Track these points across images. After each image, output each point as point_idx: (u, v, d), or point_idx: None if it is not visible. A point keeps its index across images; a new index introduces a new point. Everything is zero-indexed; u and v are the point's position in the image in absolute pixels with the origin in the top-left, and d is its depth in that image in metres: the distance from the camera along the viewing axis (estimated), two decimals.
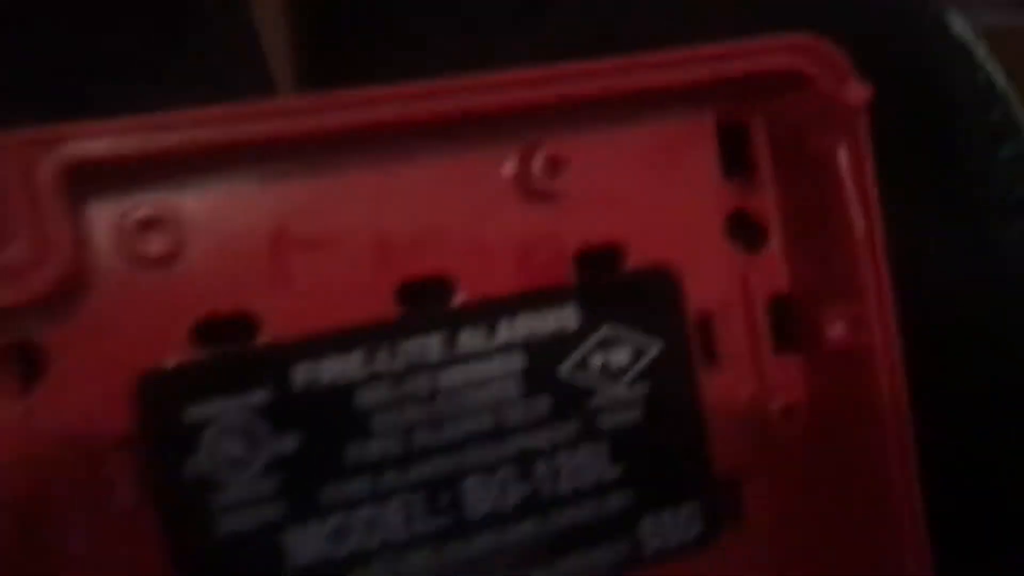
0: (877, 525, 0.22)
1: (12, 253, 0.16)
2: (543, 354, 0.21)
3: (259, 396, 0.19)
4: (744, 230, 0.23)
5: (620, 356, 0.22)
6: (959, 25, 0.27)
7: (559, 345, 0.21)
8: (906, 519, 0.21)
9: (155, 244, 0.18)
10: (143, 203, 0.18)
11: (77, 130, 0.17)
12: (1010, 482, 0.24)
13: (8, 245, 0.16)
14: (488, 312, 0.21)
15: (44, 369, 0.18)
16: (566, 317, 0.21)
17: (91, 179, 0.17)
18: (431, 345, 0.20)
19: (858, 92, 0.21)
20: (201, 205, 0.19)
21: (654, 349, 0.22)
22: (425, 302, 0.21)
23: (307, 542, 0.20)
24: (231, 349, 0.19)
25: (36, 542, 0.18)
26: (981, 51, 0.27)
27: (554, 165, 0.21)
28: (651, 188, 0.22)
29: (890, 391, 0.21)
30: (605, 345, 0.22)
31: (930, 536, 0.21)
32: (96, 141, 0.17)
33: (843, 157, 0.21)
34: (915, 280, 0.22)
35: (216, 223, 0.19)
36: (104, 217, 0.18)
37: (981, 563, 0.23)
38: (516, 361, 0.21)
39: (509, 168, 0.21)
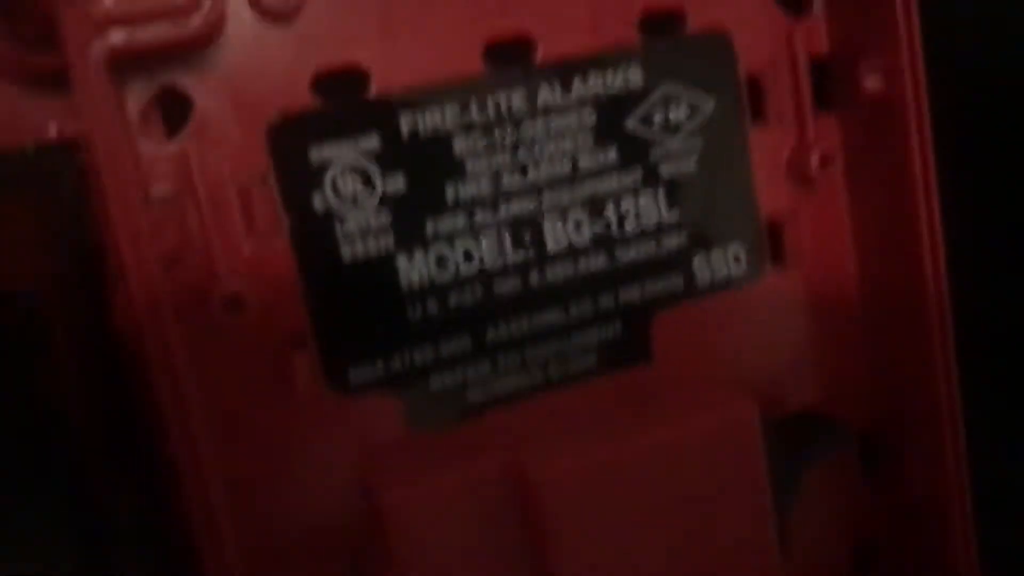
0: (906, 256, 0.25)
1: None
2: (612, 109, 0.24)
3: (371, 141, 0.22)
4: None
5: (679, 112, 0.25)
6: None
7: (626, 101, 0.24)
8: (928, 248, 0.24)
9: (281, 1, 0.21)
10: None
11: None
12: None
13: None
14: (564, 69, 0.23)
15: (189, 115, 0.21)
16: (632, 75, 0.24)
17: None
18: (515, 99, 0.23)
19: None
20: None
21: (709, 106, 0.25)
22: (509, 60, 0.23)
23: (415, 268, 0.23)
24: (347, 99, 0.22)
25: (193, 255, 0.21)
26: None
27: None
28: None
29: (918, 135, 0.24)
30: (666, 101, 0.24)
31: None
32: None
33: None
34: (942, 35, 0.24)
35: None
36: None
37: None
38: (588, 114, 0.24)
39: None
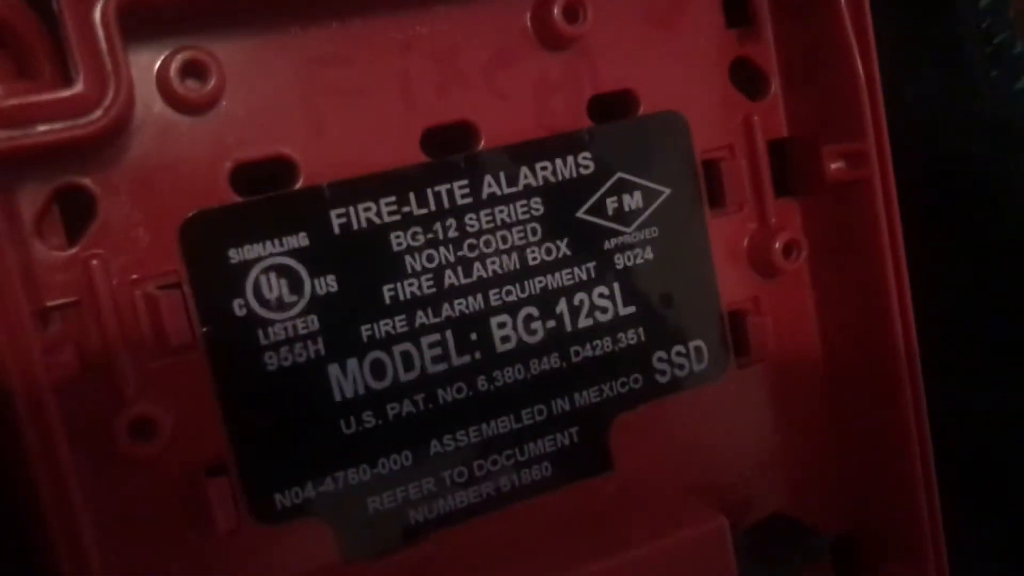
0: (877, 348, 0.23)
1: (75, 91, 0.17)
2: (562, 198, 0.22)
3: (298, 239, 0.20)
4: (747, 78, 0.24)
5: (633, 200, 0.23)
6: None
7: (576, 190, 0.22)
8: (902, 340, 0.23)
9: (196, 90, 0.19)
10: (185, 49, 0.19)
11: None
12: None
13: (72, 84, 0.17)
14: (509, 157, 0.22)
15: (93, 215, 0.19)
16: (583, 162, 0.22)
17: (140, 23, 0.18)
18: (457, 189, 0.21)
19: None
20: (239, 53, 0.19)
21: (664, 193, 0.23)
22: (450, 149, 0.21)
23: (348, 377, 0.21)
24: (270, 193, 0.20)
25: (95, 375, 0.19)
26: None
27: (571, 10, 0.21)
28: (660, 38, 0.23)
29: (887, 219, 0.22)
30: (619, 189, 0.23)
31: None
32: None
33: (843, 1, 0.22)
34: (905, 118, 0.23)
35: (253, 70, 0.20)
36: (150, 62, 0.19)
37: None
38: (536, 205, 0.22)
39: (528, 16, 0.21)
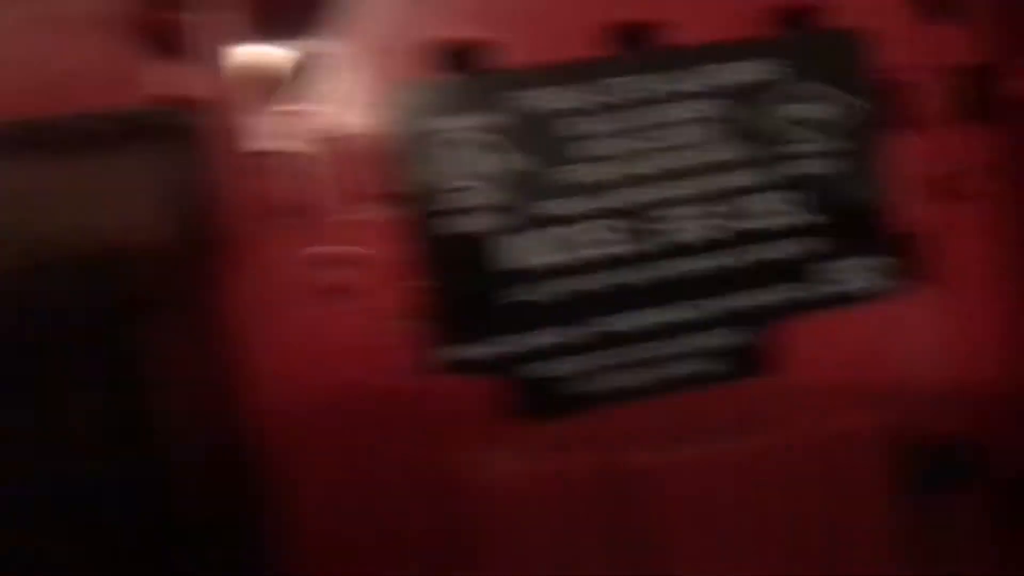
0: None
1: None
2: (743, 101, 0.23)
3: (493, 116, 0.22)
4: None
5: (814, 110, 0.23)
6: None
7: (758, 95, 0.23)
8: None
9: None
10: None
11: None
12: None
13: None
14: (694, 57, 0.23)
15: (321, 74, 0.22)
16: (766, 68, 0.23)
17: None
18: (641, 83, 0.23)
19: None
20: None
21: (846, 107, 0.24)
22: (635, 44, 0.23)
23: (536, 248, 0.22)
24: (472, 72, 0.22)
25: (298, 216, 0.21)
26: None
27: None
28: None
29: None
30: (801, 98, 0.23)
31: None
32: None
33: None
34: None
35: None
36: None
37: None
38: (718, 105, 0.23)
39: None
